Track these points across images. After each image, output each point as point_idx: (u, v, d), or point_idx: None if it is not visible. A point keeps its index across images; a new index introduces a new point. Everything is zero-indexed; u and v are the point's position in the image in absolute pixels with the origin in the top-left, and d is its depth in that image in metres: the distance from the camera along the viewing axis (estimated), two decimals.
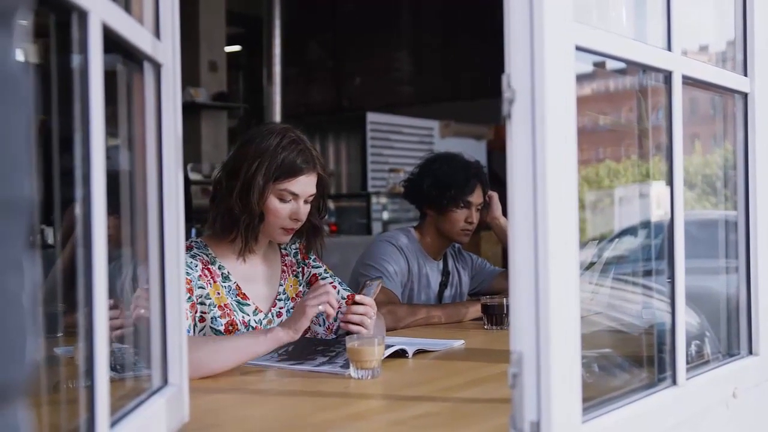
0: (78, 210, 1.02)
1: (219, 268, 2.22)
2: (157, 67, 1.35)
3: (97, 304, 1.02)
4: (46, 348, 1.37)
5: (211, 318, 2.15)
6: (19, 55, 0.59)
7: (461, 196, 2.99)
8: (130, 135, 1.37)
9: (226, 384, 1.87)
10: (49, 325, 1.40)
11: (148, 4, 1.35)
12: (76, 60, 1.03)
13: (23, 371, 0.59)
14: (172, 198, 1.38)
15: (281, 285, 2.35)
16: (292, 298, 2.36)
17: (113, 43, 1.12)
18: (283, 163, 2.17)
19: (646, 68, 1.56)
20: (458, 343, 2.35)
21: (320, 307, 1.98)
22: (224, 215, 2.20)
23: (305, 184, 2.22)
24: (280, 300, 2.33)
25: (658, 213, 1.92)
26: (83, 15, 1.00)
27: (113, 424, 1.10)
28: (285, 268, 2.38)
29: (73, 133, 1.03)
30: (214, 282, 2.19)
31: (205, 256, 2.20)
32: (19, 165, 0.57)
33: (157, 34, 1.36)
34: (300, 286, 2.39)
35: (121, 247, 1.38)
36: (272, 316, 2.29)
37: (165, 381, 1.38)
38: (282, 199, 2.19)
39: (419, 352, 2.18)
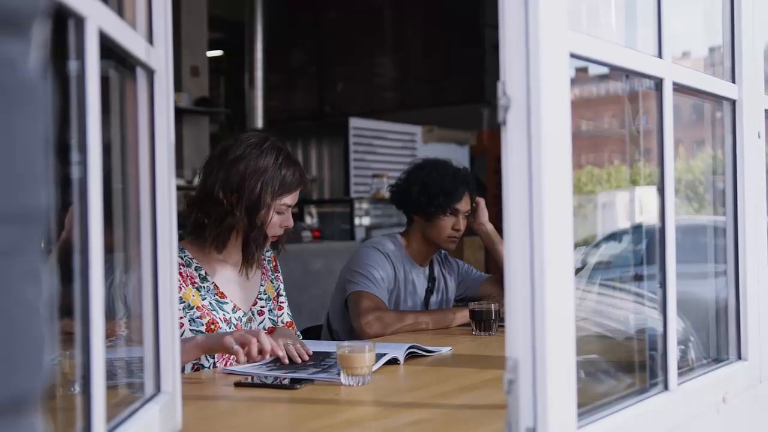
0: (75, 217, 1.01)
1: (196, 270, 2.28)
2: (150, 73, 1.35)
3: (94, 312, 1.01)
4: None
5: (190, 320, 2.20)
6: (37, 63, 0.58)
7: (449, 204, 2.99)
8: (122, 141, 1.36)
9: (219, 392, 1.86)
10: None
11: (140, 9, 1.34)
12: (71, 65, 1.02)
13: (41, 380, 0.59)
14: (165, 204, 1.37)
15: (262, 285, 2.44)
16: (273, 298, 2.46)
17: (107, 48, 1.12)
18: (284, 181, 2.29)
19: (638, 75, 1.57)
20: (446, 350, 2.35)
21: (235, 347, 1.94)
22: (228, 231, 2.27)
23: (297, 195, 2.36)
24: (261, 299, 2.42)
25: (642, 218, 1.94)
26: (80, 21, 0.99)
27: None
28: (264, 270, 2.47)
29: (68, 138, 1.02)
30: (187, 285, 2.24)
31: (179, 259, 2.22)
32: (37, 174, 0.56)
33: (150, 39, 1.35)
34: (275, 290, 2.50)
35: (111, 253, 1.37)
36: (253, 314, 2.38)
37: (158, 389, 1.37)
38: (278, 212, 2.31)
39: (410, 357, 2.19)
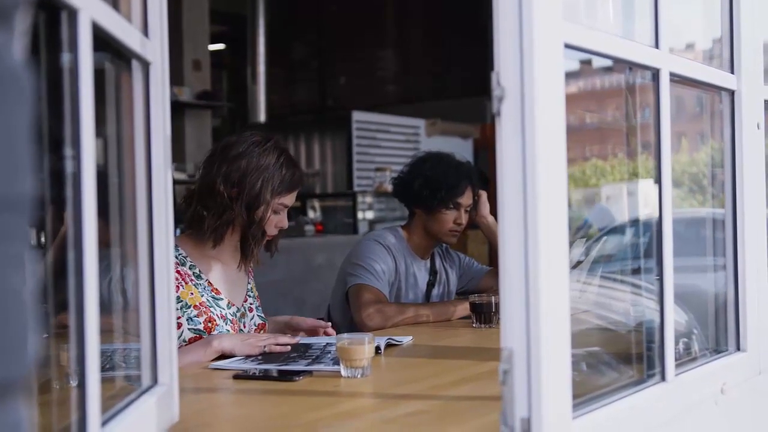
0: (68, 211, 1.01)
1: (190, 268, 2.31)
2: (145, 65, 1.35)
3: (88, 305, 1.01)
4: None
5: (188, 319, 2.23)
6: (20, 53, 0.58)
7: (451, 198, 2.99)
8: (117, 134, 1.36)
9: (217, 384, 1.87)
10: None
11: (136, 1, 1.34)
12: (65, 58, 1.02)
13: (25, 368, 0.59)
14: (161, 198, 1.38)
15: (249, 283, 2.49)
16: (257, 297, 2.51)
17: (102, 41, 1.12)
18: (283, 180, 2.32)
19: (634, 65, 1.57)
20: (407, 339, 2.39)
21: (266, 349, 2.14)
22: (225, 225, 2.30)
23: (294, 197, 2.39)
24: (250, 296, 2.47)
25: (645, 211, 1.94)
26: (73, 13, 0.99)
27: (104, 423, 1.09)
28: (250, 269, 2.51)
29: (61, 132, 1.02)
30: (186, 283, 2.27)
31: (174, 253, 2.24)
32: (21, 162, 0.57)
33: (145, 32, 1.35)
34: (256, 290, 2.54)
35: (107, 247, 1.38)
36: (245, 310, 2.42)
37: (155, 380, 1.37)
38: (275, 212, 2.34)
39: (389, 346, 2.24)
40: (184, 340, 2.21)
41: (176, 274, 2.23)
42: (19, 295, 0.57)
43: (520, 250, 1.17)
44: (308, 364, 1.98)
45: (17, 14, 0.57)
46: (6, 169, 0.55)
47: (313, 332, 2.44)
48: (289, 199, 2.36)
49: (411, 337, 2.42)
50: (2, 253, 0.56)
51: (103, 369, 1.17)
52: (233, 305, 2.36)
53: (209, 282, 2.33)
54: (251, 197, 2.27)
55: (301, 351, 2.15)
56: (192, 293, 2.27)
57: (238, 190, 2.27)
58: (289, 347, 2.16)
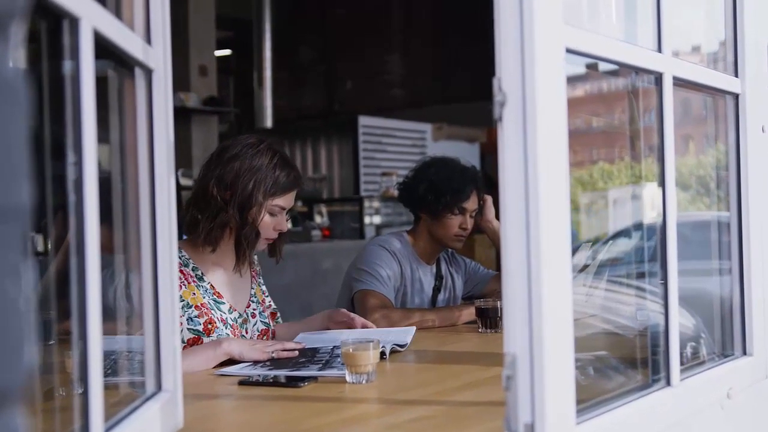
0: (71, 217, 1.01)
1: (193, 270, 2.32)
2: (148, 72, 1.35)
3: (91, 311, 1.01)
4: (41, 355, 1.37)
5: (188, 319, 2.24)
6: (16, 62, 0.59)
7: (456, 203, 2.98)
8: (121, 141, 1.37)
9: (221, 390, 1.87)
10: (42, 333, 1.39)
11: (138, 9, 1.35)
12: (67, 66, 1.02)
13: (22, 376, 0.59)
14: (164, 204, 1.38)
15: (252, 288, 2.48)
16: (261, 302, 2.50)
17: (104, 48, 1.12)
18: (277, 181, 2.31)
19: (636, 70, 1.57)
20: (411, 331, 2.42)
21: (274, 354, 2.13)
22: (220, 228, 2.29)
23: (292, 199, 2.38)
24: (253, 301, 2.46)
25: (651, 215, 1.93)
26: (75, 21, 0.99)
27: (107, 430, 1.10)
28: (254, 274, 2.51)
29: (63, 139, 1.02)
30: (189, 284, 2.28)
31: (177, 260, 2.25)
32: (17, 171, 0.57)
33: (148, 39, 1.35)
34: (263, 294, 2.53)
35: (112, 254, 1.38)
36: (247, 316, 2.42)
37: (159, 387, 1.37)
38: (271, 214, 2.33)
39: (393, 352, 2.23)
40: (183, 340, 2.21)
41: (179, 274, 2.24)
42: (15, 303, 0.57)
43: (522, 255, 1.17)
44: (319, 369, 1.98)
45: (13, 24, 0.58)
46: (2, 179, 0.55)
47: (350, 325, 2.46)
48: (285, 201, 2.34)
49: (414, 328, 2.44)
50: None
51: (106, 375, 1.17)
52: (235, 310, 2.36)
53: (212, 285, 2.33)
54: (243, 198, 2.27)
55: (309, 356, 2.15)
56: (194, 293, 2.27)
57: (231, 192, 2.27)
58: (296, 353, 2.16)
